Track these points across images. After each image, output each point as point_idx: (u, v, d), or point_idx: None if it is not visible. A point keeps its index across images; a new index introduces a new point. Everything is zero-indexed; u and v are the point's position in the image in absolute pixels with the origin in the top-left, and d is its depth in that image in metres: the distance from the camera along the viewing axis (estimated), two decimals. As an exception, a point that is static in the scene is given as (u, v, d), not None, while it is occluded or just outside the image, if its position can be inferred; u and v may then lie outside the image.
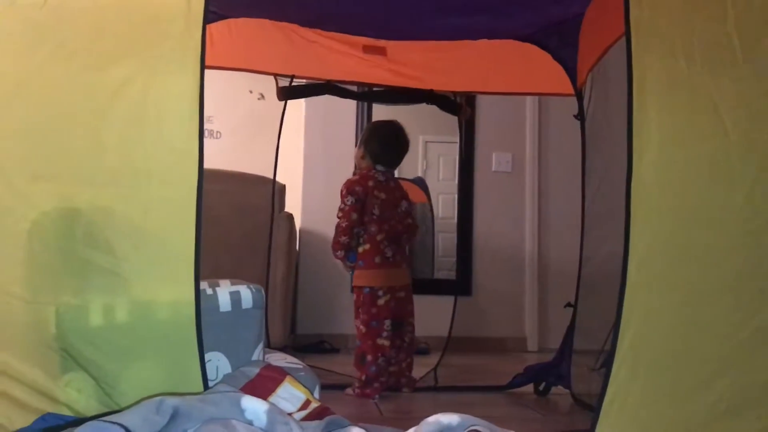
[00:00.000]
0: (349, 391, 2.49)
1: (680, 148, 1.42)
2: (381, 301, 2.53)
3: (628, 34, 1.43)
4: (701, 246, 1.41)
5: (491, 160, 4.15)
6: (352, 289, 2.62)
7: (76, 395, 1.29)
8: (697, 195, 1.42)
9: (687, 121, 1.43)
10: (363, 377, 2.48)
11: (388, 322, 2.52)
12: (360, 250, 2.57)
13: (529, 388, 2.59)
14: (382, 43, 2.71)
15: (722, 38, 1.44)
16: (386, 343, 2.51)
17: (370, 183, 2.57)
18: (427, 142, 5.01)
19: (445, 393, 2.62)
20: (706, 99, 1.42)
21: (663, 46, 1.44)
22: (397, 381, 2.55)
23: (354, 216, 2.53)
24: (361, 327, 2.53)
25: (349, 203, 2.55)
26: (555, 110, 4.12)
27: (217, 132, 4.23)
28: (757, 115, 1.43)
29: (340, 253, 2.58)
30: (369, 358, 2.49)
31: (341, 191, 2.60)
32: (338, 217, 2.58)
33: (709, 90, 1.42)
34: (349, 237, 2.55)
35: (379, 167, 2.62)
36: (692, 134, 1.43)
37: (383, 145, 2.65)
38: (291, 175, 3.70)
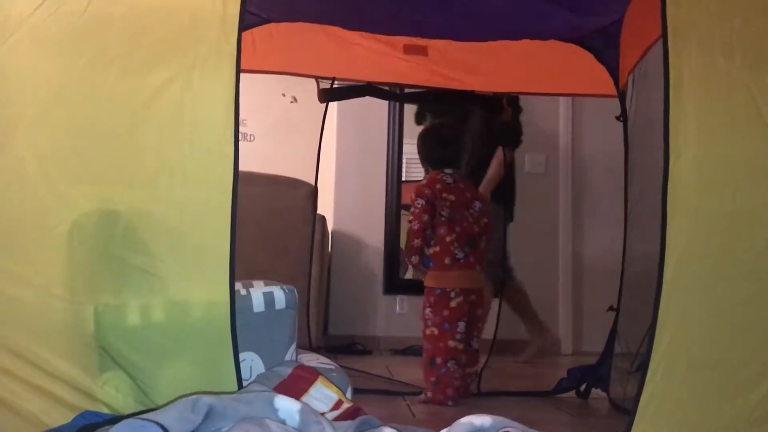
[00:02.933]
0: (421, 397, 2.44)
1: (719, 147, 1.39)
2: (453, 303, 2.46)
3: (664, 32, 1.41)
4: (740, 247, 1.38)
5: (524, 162, 4.12)
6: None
7: (114, 393, 1.31)
8: (736, 195, 1.39)
9: (726, 119, 1.40)
10: (433, 380, 2.42)
11: (462, 325, 2.46)
12: (430, 252, 2.53)
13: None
14: (423, 42, 2.70)
15: (762, 32, 1.41)
16: (460, 346, 2.45)
17: (438, 186, 2.55)
18: (459, 143, 4.99)
19: (488, 398, 2.57)
20: (745, 96, 1.39)
21: (701, 43, 1.41)
22: (466, 388, 2.51)
23: (425, 217, 2.51)
24: (434, 330, 2.46)
25: (419, 206, 2.53)
26: (588, 111, 4.08)
27: (251, 135, 4.27)
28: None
29: (414, 259, 2.53)
30: (438, 360, 2.42)
31: (411, 197, 2.59)
32: (409, 222, 2.57)
33: (749, 86, 1.39)
34: (422, 240, 2.51)
35: (447, 170, 2.60)
36: (731, 132, 1.40)
37: (432, 148, 2.66)
38: (322, 178, 3.72)
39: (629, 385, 2.07)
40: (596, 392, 2.49)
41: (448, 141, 2.68)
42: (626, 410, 2.08)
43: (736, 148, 1.40)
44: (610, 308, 2.44)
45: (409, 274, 4.06)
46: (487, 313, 2.60)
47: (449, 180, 2.57)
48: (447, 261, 2.50)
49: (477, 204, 2.59)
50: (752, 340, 1.37)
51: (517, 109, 3.15)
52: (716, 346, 1.38)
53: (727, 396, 1.36)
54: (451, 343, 2.44)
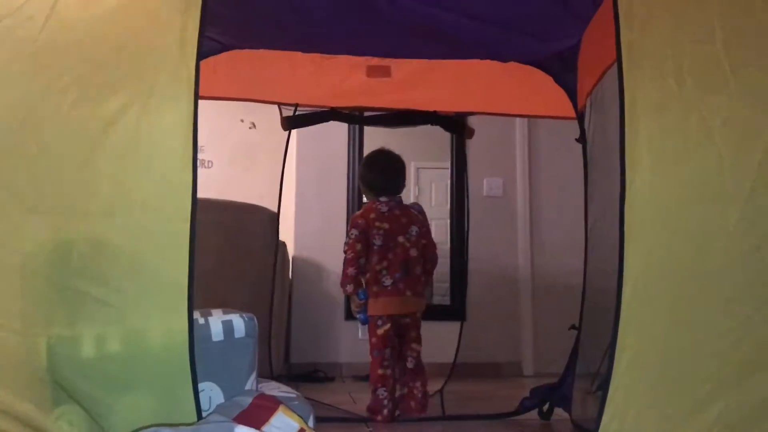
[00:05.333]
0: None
1: (673, 168, 1.43)
2: (380, 331, 2.54)
3: (619, 56, 1.45)
4: (696, 266, 1.42)
5: (482, 185, 4.17)
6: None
7: (68, 428, 1.27)
8: (691, 215, 1.43)
9: (679, 141, 1.44)
10: (368, 403, 2.52)
11: (387, 351, 2.53)
12: (364, 281, 2.60)
13: (532, 411, 2.57)
14: (386, 62, 2.72)
15: (711, 58, 1.46)
16: (387, 372, 2.52)
17: (372, 215, 2.61)
18: (418, 168, 5.04)
19: (452, 421, 2.56)
20: (697, 118, 1.44)
21: (654, 67, 1.46)
22: (407, 405, 2.53)
23: (358, 247, 2.57)
24: (370, 356, 2.57)
25: (353, 236, 2.59)
26: (544, 134, 4.16)
27: (209, 161, 4.24)
28: (747, 133, 1.44)
29: (349, 287, 2.58)
30: (371, 387, 2.52)
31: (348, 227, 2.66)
32: (344, 252, 2.61)
33: (700, 110, 1.44)
34: (356, 268, 2.57)
35: (383, 198, 2.65)
36: (684, 154, 1.44)
37: (375, 174, 2.70)
38: (282, 203, 3.70)
39: (590, 405, 2.08)
40: (558, 412, 2.51)
41: (392, 168, 2.71)
42: (588, 430, 2.10)
43: (689, 168, 1.44)
44: (572, 327, 2.47)
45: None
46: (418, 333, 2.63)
47: (384, 209, 2.63)
48: (374, 288, 2.57)
49: (414, 228, 2.64)
50: (711, 357, 1.40)
51: None
52: (675, 365, 1.40)
53: (687, 413, 1.38)
54: (380, 371, 2.52)
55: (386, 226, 2.59)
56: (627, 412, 1.37)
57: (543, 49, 2.49)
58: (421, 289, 2.63)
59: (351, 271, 2.57)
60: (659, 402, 1.38)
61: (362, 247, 2.57)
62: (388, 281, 2.55)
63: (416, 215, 2.69)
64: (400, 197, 2.71)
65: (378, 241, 2.57)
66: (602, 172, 2.29)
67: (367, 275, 2.58)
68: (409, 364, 2.58)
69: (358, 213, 2.70)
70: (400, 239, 2.59)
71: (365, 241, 2.58)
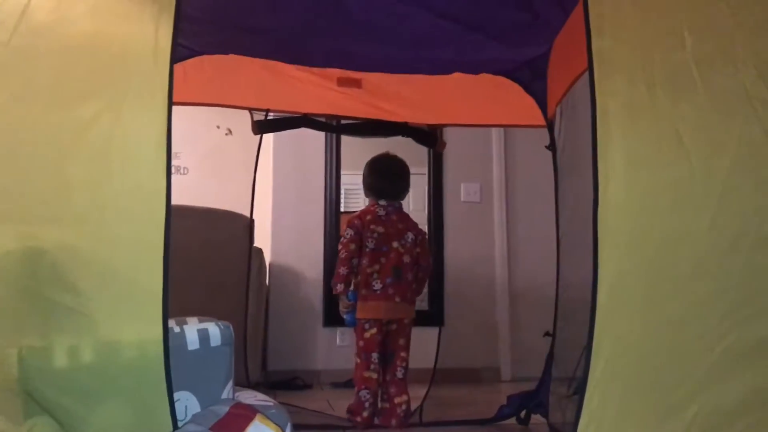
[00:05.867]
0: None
1: (645, 175, 1.45)
2: (367, 334, 2.53)
3: (590, 64, 1.47)
4: (669, 271, 1.43)
5: (460, 191, 4.18)
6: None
7: (39, 441, 1.25)
8: (663, 221, 1.44)
9: (650, 148, 1.46)
10: (348, 405, 2.52)
11: (374, 356, 2.52)
12: (354, 282, 2.60)
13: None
14: (357, 75, 2.72)
15: (681, 66, 1.49)
16: (373, 376, 2.51)
17: (368, 217, 2.62)
18: (396, 174, 5.03)
19: (430, 428, 2.57)
20: (668, 125, 1.46)
21: (625, 75, 1.48)
22: (387, 420, 2.52)
23: (352, 247, 2.57)
24: (356, 359, 2.56)
25: (347, 236, 2.60)
26: (520, 140, 4.19)
27: (184, 168, 4.20)
28: (717, 140, 1.46)
29: (339, 287, 2.58)
30: (355, 389, 2.52)
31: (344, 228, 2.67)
32: (338, 251, 2.62)
33: (671, 116, 1.46)
34: (348, 268, 2.56)
35: (382, 201, 2.65)
36: (656, 160, 1.46)
37: (375, 177, 2.70)
38: (260, 210, 3.68)
39: (568, 409, 2.10)
40: (536, 418, 2.52)
41: (393, 173, 2.72)
42: (565, 435, 2.11)
43: (661, 175, 1.45)
44: (546, 334, 2.48)
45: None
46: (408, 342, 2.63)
47: (381, 212, 2.63)
48: (363, 291, 2.56)
49: (410, 235, 2.64)
50: (684, 361, 1.42)
51: None
52: (650, 369, 1.41)
53: (663, 416, 1.40)
54: (366, 374, 2.52)
55: (381, 229, 2.59)
56: (604, 415, 1.38)
57: (513, 57, 2.51)
58: (411, 296, 2.63)
59: (343, 270, 2.57)
60: (635, 405, 1.40)
61: (356, 248, 2.57)
62: (378, 285, 2.54)
63: (414, 222, 2.70)
64: (401, 203, 2.71)
65: (371, 244, 2.57)
66: (573, 178, 2.31)
67: (358, 277, 2.57)
68: (399, 374, 2.56)
69: (356, 213, 2.70)
70: (395, 244, 2.59)
71: (359, 241, 2.58)
